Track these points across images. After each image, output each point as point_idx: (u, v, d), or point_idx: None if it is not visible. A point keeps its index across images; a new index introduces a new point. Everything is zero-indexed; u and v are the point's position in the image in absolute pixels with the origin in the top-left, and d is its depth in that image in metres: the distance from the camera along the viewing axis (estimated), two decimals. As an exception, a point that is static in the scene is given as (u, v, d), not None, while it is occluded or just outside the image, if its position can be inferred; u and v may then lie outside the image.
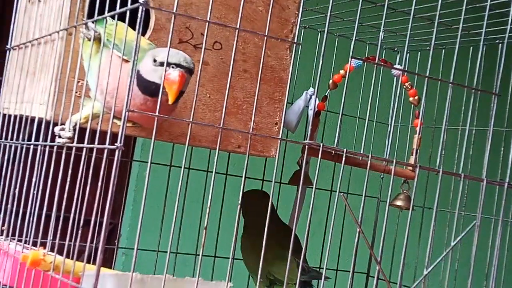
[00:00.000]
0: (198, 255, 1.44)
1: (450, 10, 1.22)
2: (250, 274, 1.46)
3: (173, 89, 0.92)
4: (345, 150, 0.99)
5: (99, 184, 0.88)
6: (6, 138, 1.25)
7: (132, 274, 0.86)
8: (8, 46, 1.31)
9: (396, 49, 1.60)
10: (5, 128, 1.26)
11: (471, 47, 1.43)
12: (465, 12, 1.06)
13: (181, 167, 0.96)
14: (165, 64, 0.91)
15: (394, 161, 1.03)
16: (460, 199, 1.19)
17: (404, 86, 1.32)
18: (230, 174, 1.48)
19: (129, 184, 2.43)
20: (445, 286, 1.13)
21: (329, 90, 1.33)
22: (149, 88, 0.95)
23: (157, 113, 0.87)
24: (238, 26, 0.92)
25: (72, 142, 1.00)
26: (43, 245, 1.03)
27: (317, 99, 1.31)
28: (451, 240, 1.07)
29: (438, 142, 1.14)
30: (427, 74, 1.04)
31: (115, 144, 0.85)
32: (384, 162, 1.17)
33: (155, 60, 0.95)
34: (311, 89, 1.40)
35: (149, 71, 0.95)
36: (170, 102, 0.93)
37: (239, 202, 1.36)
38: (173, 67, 0.93)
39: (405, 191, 1.36)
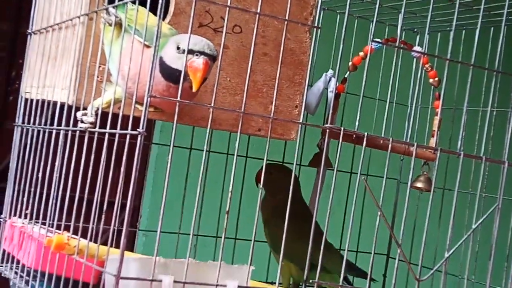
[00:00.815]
0: (219, 237, 1.45)
1: (471, -10, 1.22)
2: (272, 251, 1.46)
3: (198, 76, 0.93)
4: (365, 134, 0.99)
5: (122, 168, 0.89)
6: (28, 123, 1.26)
7: (155, 258, 0.87)
8: (29, 31, 1.32)
9: (415, 30, 1.59)
10: (27, 113, 1.27)
11: (492, 28, 1.42)
12: (487, -7, 1.05)
13: (201, 150, 0.97)
14: (186, 51, 0.91)
15: (415, 144, 1.02)
16: (481, 181, 1.19)
17: (425, 68, 1.31)
18: (250, 157, 1.49)
19: (148, 166, 2.45)
20: (466, 268, 1.13)
21: (348, 72, 1.32)
22: (172, 75, 0.96)
23: (178, 97, 0.87)
24: (258, 11, 0.92)
25: (94, 127, 1.01)
26: (67, 228, 1.04)
27: (337, 81, 1.31)
28: (472, 222, 1.07)
29: (458, 123, 1.13)
30: (448, 57, 1.04)
31: (138, 129, 0.86)
32: (404, 145, 1.17)
33: (178, 47, 0.95)
34: (331, 71, 1.39)
35: (172, 58, 0.96)
36: (194, 89, 0.93)
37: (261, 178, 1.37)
38: (197, 55, 0.93)
39: (425, 172, 1.36)
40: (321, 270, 1.35)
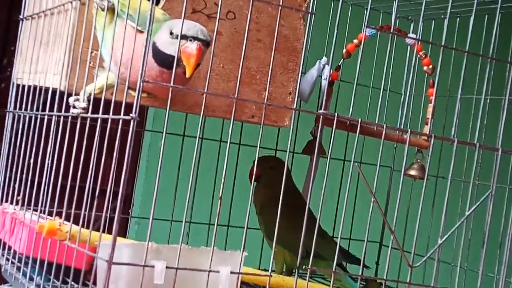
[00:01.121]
0: (212, 224, 1.45)
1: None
2: (265, 238, 1.46)
3: (191, 62, 0.92)
4: (359, 120, 0.99)
5: (114, 154, 0.88)
6: (20, 108, 1.25)
7: (148, 243, 0.87)
8: (21, 16, 1.31)
9: (410, 18, 1.59)
10: (19, 98, 1.26)
11: (486, 16, 1.41)
12: (481, -21, 1.05)
13: (194, 137, 0.96)
14: (179, 37, 0.91)
15: (409, 131, 1.02)
16: (475, 169, 1.19)
17: (419, 55, 1.31)
18: (243, 144, 1.48)
19: (141, 154, 2.44)
20: (459, 255, 1.13)
21: (342, 59, 1.32)
22: (165, 61, 0.95)
23: (171, 83, 0.87)
24: (252, -4, 0.91)
25: (87, 113, 1.00)
26: (59, 214, 1.04)
27: (330, 69, 1.30)
28: (465, 210, 1.07)
29: (452, 111, 1.13)
30: (442, 43, 1.04)
31: (130, 114, 0.85)
32: (398, 132, 1.16)
33: (171, 33, 0.95)
34: (324, 58, 1.39)
35: (165, 43, 0.95)
36: (187, 75, 0.93)
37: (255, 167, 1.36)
38: (190, 40, 0.93)
39: (419, 160, 1.35)
40: (316, 257, 1.35)
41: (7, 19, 2.49)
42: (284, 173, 0.98)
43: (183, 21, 0.90)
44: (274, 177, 1.37)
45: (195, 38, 0.93)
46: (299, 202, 1.42)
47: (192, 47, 0.93)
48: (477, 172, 1.27)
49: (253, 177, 1.40)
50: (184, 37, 0.92)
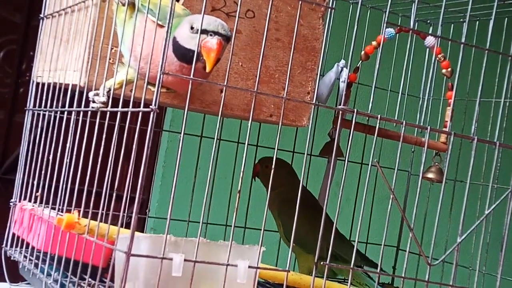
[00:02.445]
0: (229, 226, 1.45)
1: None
2: (283, 239, 1.45)
3: (211, 57, 0.92)
4: (379, 116, 0.99)
5: (132, 154, 0.88)
6: (39, 107, 1.25)
7: (166, 236, 0.86)
8: (41, 15, 1.32)
9: (429, 21, 1.59)
10: (38, 97, 1.27)
11: (506, 19, 1.41)
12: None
13: (212, 138, 0.96)
14: (199, 32, 0.91)
15: (428, 128, 1.02)
16: (494, 171, 1.18)
17: (437, 58, 1.30)
18: (261, 146, 1.48)
19: (157, 161, 2.44)
20: (478, 259, 1.12)
21: (361, 61, 1.32)
22: (186, 56, 0.95)
23: (191, 76, 0.87)
24: (272, -10, 0.92)
25: (106, 107, 1.00)
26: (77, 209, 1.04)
27: (349, 71, 1.30)
28: (483, 213, 1.06)
29: (470, 115, 1.13)
30: (462, 41, 1.03)
31: (150, 106, 0.85)
32: (417, 129, 1.16)
33: (192, 27, 0.95)
34: (342, 61, 1.39)
35: (186, 38, 0.95)
36: (207, 70, 0.93)
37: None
38: (211, 35, 0.93)
39: (436, 163, 1.35)
40: (335, 259, 1.34)
41: (25, 24, 2.51)
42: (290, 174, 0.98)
43: (203, 15, 0.90)
44: (277, 178, 1.36)
45: (215, 33, 0.93)
46: (314, 202, 1.42)
47: (212, 41, 0.93)
48: (496, 175, 1.26)
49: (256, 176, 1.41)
50: (204, 31, 0.93)
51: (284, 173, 1.42)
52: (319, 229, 0.96)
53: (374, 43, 1.30)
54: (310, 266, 1.40)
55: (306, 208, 1.01)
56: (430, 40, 1.29)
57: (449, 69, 1.31)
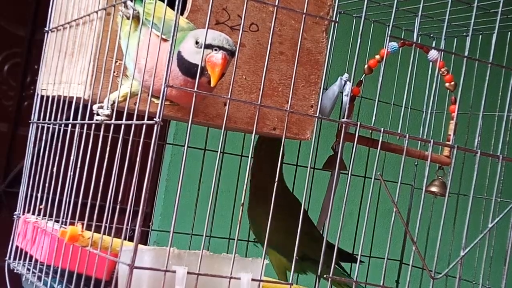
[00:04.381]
0: (232, 239, 1.45)
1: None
2: (256, 239, 1.44)
3: (216, 71, 0.93)
4: (382, 129, 0.99)
5: (135, 167, 0.88)
6: (44, 120, 1.26)
7: (169, 248, 0.87)
8: (46, 29, 1.33)
9: (432, 35, 1.59)
10: (43, 110, 1.27)
11: (509, 33, 1.41)
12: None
13: (215, 151, 0.96)
14: (203, 46, 0.91)
15: (431, 141, 1.02)
16: (497, 184, 1.18)
17: (440, 72, 1.31)
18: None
19: (161, 174, 2.45)
20: (481, 272, 1.12)
21: (364, 75, 1.32)
22: (191, 70, 0.95)
23: (195, 90, 0.87)
24: (276, 3, 0.92)
25: (110, 120, 1.01)
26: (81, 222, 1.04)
27: (352, 84, 1.30)
28: (486, 227, 1.06)
29: (473, 129, 1.13)
30: (466, 55, 1.04)
31: (154, 119, 0.86)
32: (421, 142, 1.16)
33: (197, 42, 0.95)
34: (346, 74, 1.39)
35: (191, 52, 0.95)
36: (212, 84, 0.93)
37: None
38: (215, 49, 0.93)
39: (440, 177, 1.35)
40: (309, 260, 1.32)
41: (30, 38, 2.52)
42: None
43: (207, 30, 0.91)
44: (267, 159, 1.34)
45: (220, 48, 0.93)
46: (290, 201, 1.40)
47: (217, 56, 0.93)
48: (499, 189, 1.26)
49: None
50: (209, 46, 0.93)
51: (272, 158, 1.39)
52: (291, 229, 0.95)
53: (377, 56, 1.31)
54: (285, 266, 1.39)
55: (279, 205, 0.99)
56: (433, 54, 1.29)
57: (452, 83, 1.31)
